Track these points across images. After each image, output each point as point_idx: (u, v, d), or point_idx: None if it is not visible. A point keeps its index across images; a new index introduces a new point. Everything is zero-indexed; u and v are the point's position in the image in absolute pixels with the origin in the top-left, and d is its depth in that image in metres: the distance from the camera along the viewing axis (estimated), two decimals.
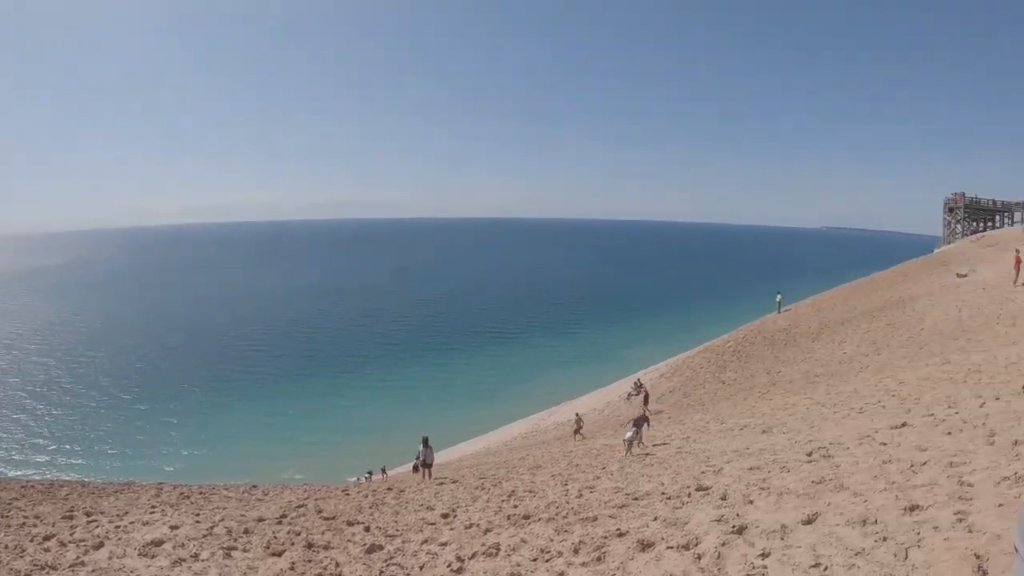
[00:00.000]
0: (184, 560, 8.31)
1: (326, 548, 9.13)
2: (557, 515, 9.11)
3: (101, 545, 8.83)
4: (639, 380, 37.30)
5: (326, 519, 11.28)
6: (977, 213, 67.36)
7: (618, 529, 7.57)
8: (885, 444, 8.82)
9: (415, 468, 25.03)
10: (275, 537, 9.65)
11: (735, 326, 47.63)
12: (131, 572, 7.86)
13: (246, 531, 10.03)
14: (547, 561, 7.11)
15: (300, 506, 12.78)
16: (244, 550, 8.91)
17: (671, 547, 6.48)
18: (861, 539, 5.42)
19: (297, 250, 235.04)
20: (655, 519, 7.70)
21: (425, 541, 9.04)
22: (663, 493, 9.14)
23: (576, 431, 27.47)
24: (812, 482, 7.63)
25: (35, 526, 10.08)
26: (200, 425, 42.72)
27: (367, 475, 29.65)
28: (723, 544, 6.12)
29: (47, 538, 9.20)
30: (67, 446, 39.46)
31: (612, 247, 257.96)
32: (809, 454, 9.40)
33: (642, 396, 29.85)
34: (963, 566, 4.41)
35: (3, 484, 14.40)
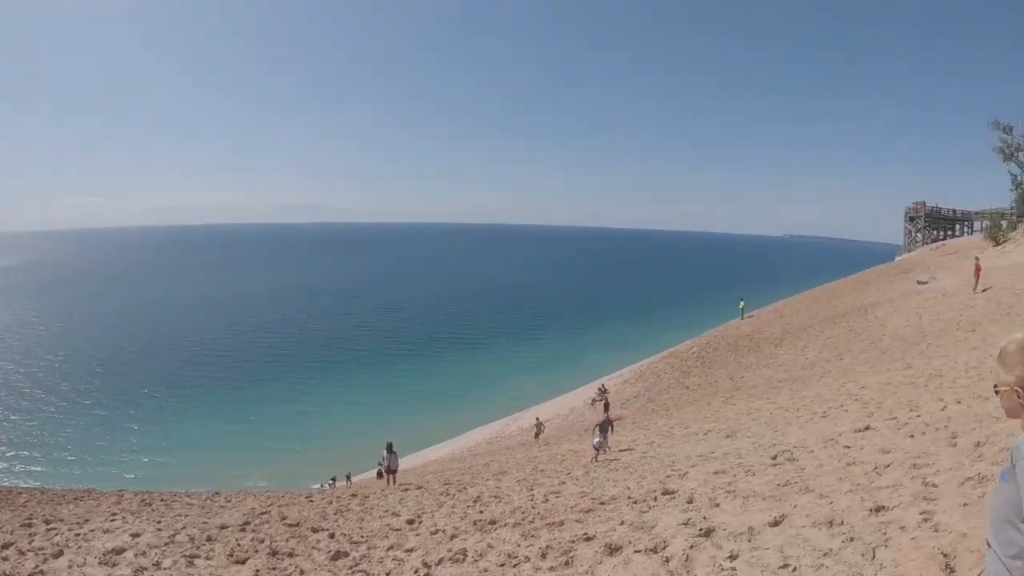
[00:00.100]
0: (146, 568, 8.08)
1: (290, 555, 8.94)
2: (523, 520, 9.03)
3: (61, 553, 8.58)
4: (603, 385, 37.41)
5: (290, 526, 11.07)
6: (937, 222, 68.99)
7: (585, 533, 7.51)
8: (849, 447, 8.92)
9: (379, 474, 24.73)
10: (238, 545, 9.44)
11: (699, 332, 48.02)
12: None
13: (209, 539, 9.81)
14: (515, 566, 7.02)
15: (263, 513, 12.55)
16: (207, 558, 8.70)
17: (639, 551, 6.44)
18: (828, 540, 5.43)
19: (261, 254, 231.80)
20: (622, 523, 7.66)
21: (391, 547, 8.90)
22: (629, 497, 9.12)
23: (536, 435, 27.48)
24: (777, 485, 7.67)
25: None
26: (161, 431, 41.75)
27: (331, 481, 29.26)
28: (691, 547, 6.10)
29: (5, 546, 8.91)
30: (25, 452, 38.24)
31: (576, 254, 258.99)
32: (774, 457, 9.47)
33: (602, 404, 29.83)
34: (931, 564, 4.43)
35: None
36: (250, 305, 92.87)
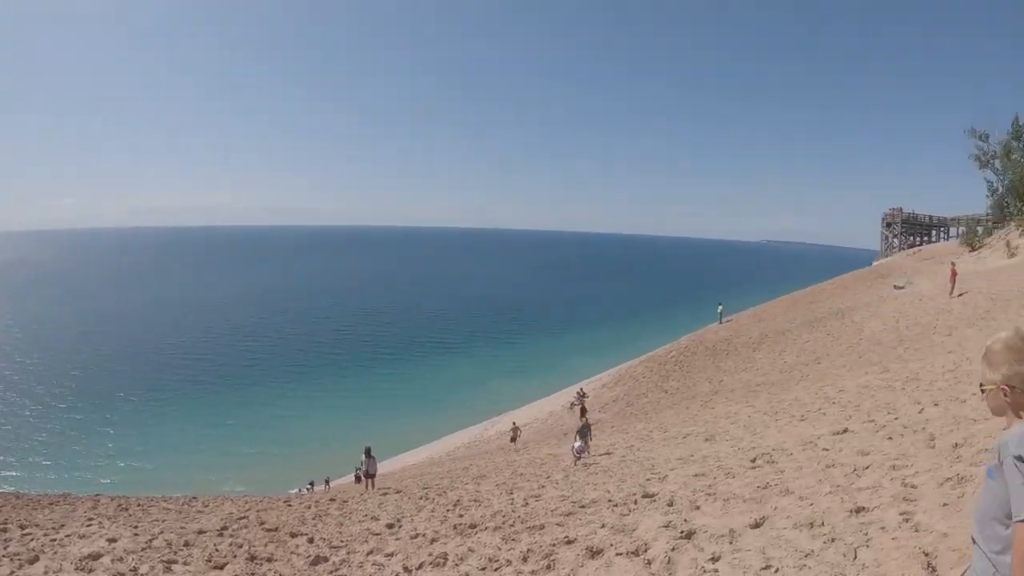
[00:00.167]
0: (123, 574, 7.92)
1: (269, 560, 8.81)
2: (504, 524, 8.98)
3: (36, 559, 8.37)
4: (582, 389, 37.43)
5: (268, 531, 10.93)
6: (914, 228, 70.10)
7: (566, 537, 7.47)
8: (827, 449, 8.96)
9: (357, 478, 24.56)
10: (216, 550, 9.28)
11: (677, 336, 48.23)
12: None
13: (186, 544, 9.64)
14: (496, 570, 6.97)
15: (242, 518, 12.38)
16: (185, 563, 8.54)
17: (620, 553, 6.41)
18: (810, 541, 5.44)
19: (243, 256, 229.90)
20: (603, 526, 7.63)
21: (371, 552, 8.81)
22: (609, 500, 9.10)
23: (512, 439, 27.45)
24: (758, 487, 7.68)
25: None
26: (138, 436, 41.11)
27: (309, 486, 29.01)
28: (672, 549, 6.08)
29: None
30: None
31: (555, 258, 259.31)
32: (753, 460, 9.50)
33: (579, 411, 29.83)
34: (912, 563, 4.44)
35: None
36: (229, 308, 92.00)
